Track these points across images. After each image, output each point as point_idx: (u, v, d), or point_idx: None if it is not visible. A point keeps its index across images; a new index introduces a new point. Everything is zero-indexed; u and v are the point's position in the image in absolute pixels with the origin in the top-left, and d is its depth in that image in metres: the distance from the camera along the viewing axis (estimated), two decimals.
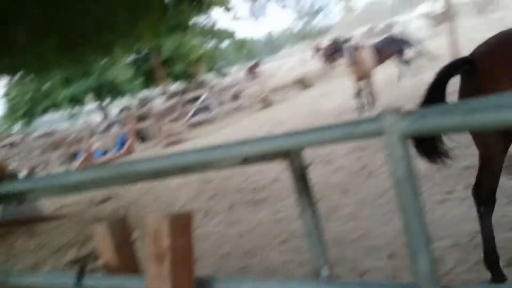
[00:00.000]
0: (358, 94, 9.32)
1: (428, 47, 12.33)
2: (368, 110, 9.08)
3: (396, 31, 21.95)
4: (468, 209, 3.27)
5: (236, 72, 30.42)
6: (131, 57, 20.70)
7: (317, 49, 23.32)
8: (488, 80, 2.35)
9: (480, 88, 2.31)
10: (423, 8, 42.95)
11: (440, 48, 12.22)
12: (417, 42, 12.06)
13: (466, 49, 3.83)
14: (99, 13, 4.45)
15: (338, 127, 1.05)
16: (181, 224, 1.23)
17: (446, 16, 12.34)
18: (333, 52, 10.72)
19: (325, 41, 28.14)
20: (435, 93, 2.52)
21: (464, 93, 2.52)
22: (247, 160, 1.27)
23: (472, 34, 11.82)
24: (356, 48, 9.50)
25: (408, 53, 11.39)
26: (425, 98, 2.53)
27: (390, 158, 0.94)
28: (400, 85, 11.27)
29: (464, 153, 4.11)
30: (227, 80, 24.46)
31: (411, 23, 28.03)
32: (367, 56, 9.57)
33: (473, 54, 2.56)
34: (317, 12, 40.96)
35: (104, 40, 4.74)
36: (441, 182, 4.29)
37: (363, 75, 9.34)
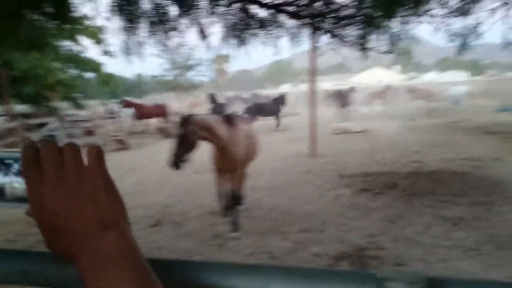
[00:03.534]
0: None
1: None
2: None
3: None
4: None
5: (95, 107, 27.81)
6: None
7: (127, 104, 20.82)
8: None
9: None
10: (285, 87, 55.63)
11: None
12: None
13: None
14: None
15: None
16: None
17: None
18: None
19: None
20: None
21: None
22: None
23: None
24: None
25: None
26: None
27: None
28: None
29: None
30: (83, 113, 22.18)
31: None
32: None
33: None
34: (190, 67, 41.39)
35: None
36: None
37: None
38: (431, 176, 7.64)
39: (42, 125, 15.56)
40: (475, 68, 67.42)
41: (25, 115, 17.87)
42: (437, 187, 6.85)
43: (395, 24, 5.01)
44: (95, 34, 18.49)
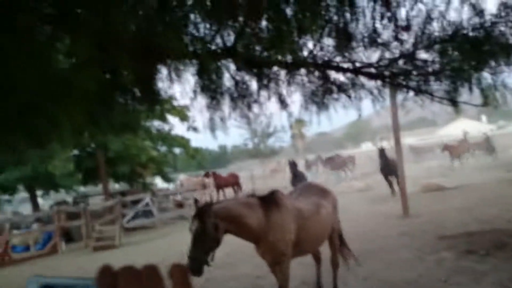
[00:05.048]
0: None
1: None
2: None
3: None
4: None
5: (184, 180, 28.91)
6: (73, 152, 19.31)
7: (207, 175, 22.22)
8: None
9: None
10: (366, 146, 53.81)
11: None
12: None
13: None
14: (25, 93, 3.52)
15: None
16: None
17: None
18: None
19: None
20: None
21: None
22: None
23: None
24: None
25: None
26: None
27: None
28: None
29: None
30: (173, 186, 23.75)
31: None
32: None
33: None
34: (270, 134, 43.76)
35: (31, 127, 4.09)
36: None
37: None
38: None
39: (136, 201, 16.66)
40: None
41: (121, 193, 19.43)
42: None
43: (486, 75, 4.74)
44: (181, 113, 19.91)
